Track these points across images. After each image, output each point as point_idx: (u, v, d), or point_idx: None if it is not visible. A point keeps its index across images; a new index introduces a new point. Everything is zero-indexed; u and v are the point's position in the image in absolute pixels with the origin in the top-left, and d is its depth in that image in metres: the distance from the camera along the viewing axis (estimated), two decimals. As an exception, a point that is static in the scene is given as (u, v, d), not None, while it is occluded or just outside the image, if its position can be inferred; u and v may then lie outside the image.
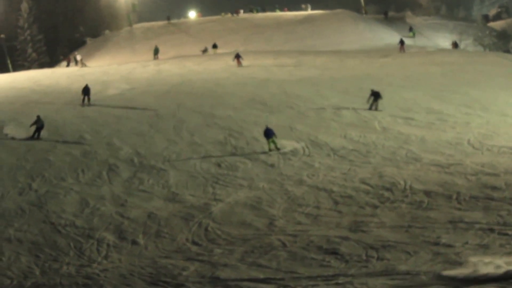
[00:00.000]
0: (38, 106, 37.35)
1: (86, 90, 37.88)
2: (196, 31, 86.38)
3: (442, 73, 45.09)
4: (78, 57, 63.02)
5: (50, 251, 19.56)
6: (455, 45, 69.63)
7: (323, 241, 17.76)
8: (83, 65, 60.02)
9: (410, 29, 79.05)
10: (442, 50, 64.14)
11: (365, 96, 35.27)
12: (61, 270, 18.05)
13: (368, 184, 22.96)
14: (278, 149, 28.13)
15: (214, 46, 65.57)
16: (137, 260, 18.35)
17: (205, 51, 66.82)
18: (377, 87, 35.80)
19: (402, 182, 22.66)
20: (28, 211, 23.10)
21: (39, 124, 30.92)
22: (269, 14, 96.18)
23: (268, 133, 28.26)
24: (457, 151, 26.99)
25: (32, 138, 30.62)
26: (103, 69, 55.82)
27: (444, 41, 76.62)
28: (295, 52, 61.15)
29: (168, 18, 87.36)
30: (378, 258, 15.80)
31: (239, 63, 51.65)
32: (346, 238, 17.70)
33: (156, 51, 64.62)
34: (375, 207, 20.59)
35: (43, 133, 31.28)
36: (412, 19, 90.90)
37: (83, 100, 37.67)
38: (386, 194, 21.71)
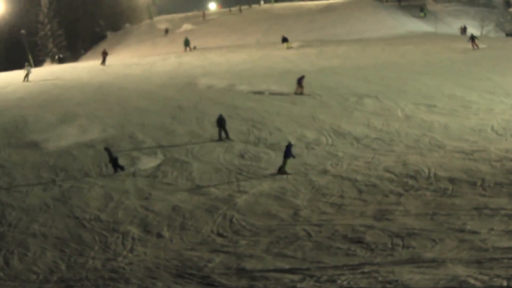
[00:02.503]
0: (59, 101, 37.59)
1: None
2: (217, 23, 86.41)
3: (465, 60, 44.59)
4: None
5: (76, 246, 19.67)
6: (463, 30, 68.94)
7: (348, 230, 17.70)
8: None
9: (421, 10, 78.30)
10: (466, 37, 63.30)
11: (387, 85, 34.93)
12: (86, 264, 18.15)
13: (392, 172, 22.85)
14: (285, 172, 24.44)
15: (285, 40, 57.45)
16: (162, 253, 18.40)
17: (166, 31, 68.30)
18: (399, 75, 35.39)
19: (426, 170, 22.53)
20: (53, 206, 23.26)
21: (113, 157, 26.52)
22: (289, 3, 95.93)
23: (288, 152, 24.72)
24: (481, 137, 26.75)
25: (116, 171, 26.27)
26: (124, 62, 56.01)
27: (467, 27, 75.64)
28: (316, 42, 60.85)
29: (166, 31, 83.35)
30: (403, 246, 15.68)
31: None
32: (371, 227, 17.63)
33: (186, 43, 63.50)
34: (400, 195, 20.50)
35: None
36: (433, 6, 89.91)
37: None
38: (410, 182, 21.60)
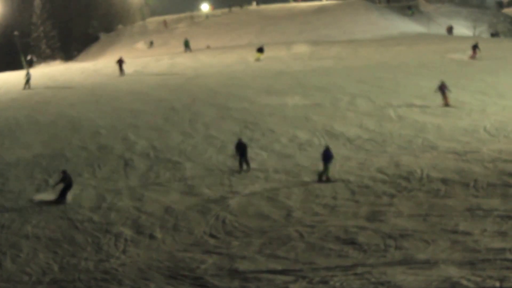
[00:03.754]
0: (52, 102, 37.47)
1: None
2: (209, 24, 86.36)
3: (457, 60, 44.62)
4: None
5: (68, 247, 19.52)
6: (449, 30, 69.26)
7: (341, 231, 17.67)
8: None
9: (409, 8, 78.75)
10: (458, 38, 63.53)
11: (380, 85, 34.90)
12: (79, 266, 18.02)
13: (384, 173, 22.86)
14: (328, 178, 23.00)
15: (260, 50, 51.53)
16: (155, 254, 18.29)
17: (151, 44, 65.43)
18: (392, 75, 35.33)
19: (419, 171, 22.55)
20: (45, 207, 23.07)
21: (66, 182, 23.55)
22: (282, 5, 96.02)
23: (327, 156, 23.29)
24: (474, 138, 26.73)
25: (58, 200, 23.20)
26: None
27: (458, 28, 75.90)
28: (308, 43, 60.83)
29: (151, 43, 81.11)
30: (396, 247, 15.68)
31: None
32: (363, 228, 17.62)
33: (186, 44, 62.18)
34: (392, 196, 20.51)
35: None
36: (426, 6, 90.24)
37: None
38: (403, 183, 21.62)
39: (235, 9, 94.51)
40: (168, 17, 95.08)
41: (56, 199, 23.04)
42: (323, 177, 22.97)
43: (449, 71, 40.56)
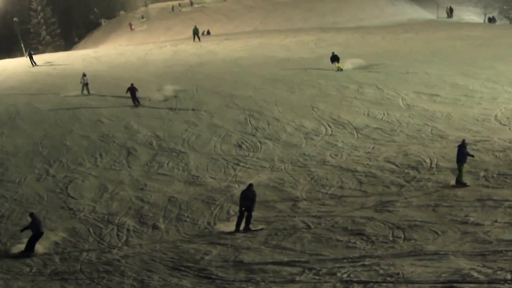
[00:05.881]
0: (53, 90, 37.27)
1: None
2: (213, 10, 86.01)
3: (467, 48, 44.21)
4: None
5: (70, 238, 19.39)
6: (449, 12, 68.74)
7: (348, 222, 17.50)
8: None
9: None
10: (468, 24, 62.99)
11: (388, 73, 34.56)
12: (81, 257, 17.87)
13: (393, 163, 22.59)
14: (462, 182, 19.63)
15: (335, 59, 39.05)
16: (158, 245, 18.13)
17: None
18: (400, 63, 34.99)
19: (428, 160, 22.31)
20: (46, 197, 23.02)
21: (34, 230, 18.67)
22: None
23: (461, 154, 19.73)
24: (484, 127, 26.44)
25: (24, 254, 18.49)
26: (119, 51, 55.74)
27: (467, 15, 75.27)
28: (315, 29, 60.50)
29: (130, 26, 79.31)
30: (405, 239, 15.49)
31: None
32: (371, 219, 17.42)
33: (196, 31, 58.77)
34: (401, 186, 20.30)
35: None
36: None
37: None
38: (412, 172, 21.39)
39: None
40: (170, 3, 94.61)
41: (21, 251, 18.52)
42: (461, 180, 19.50)
43: (459, 58, 40.15)
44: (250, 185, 18.97)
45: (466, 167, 20.62)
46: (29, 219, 18.90)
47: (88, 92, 36.17)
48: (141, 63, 46.97)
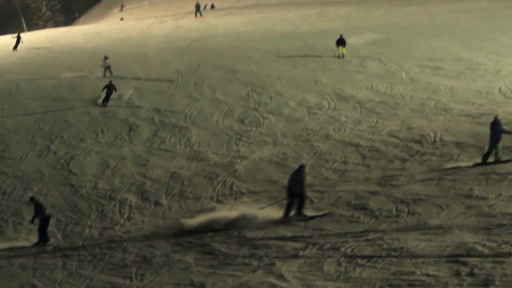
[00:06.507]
0: (54, 66, 37.12)
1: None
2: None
3: (471, 20, 43.84)
4: None
5: (72, 214, 19.35)
6: None
7: (352, 196, 17.35)
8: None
9: None
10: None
11: (391, 47, 34.34)
12: (83, 233, 17.85)
13: (396, 137, 22.44)
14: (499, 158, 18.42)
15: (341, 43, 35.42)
16: (160, 221, 18.08)
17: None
18: (403, 37, 34.80)
19: (431, 134, 22.14)
20: (48, 173, 22.91)
21: (40, 214, 17.56)
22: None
23: (496, 131, 18.25)
24: (488, 100, 26.23)
25: (39, 244, 17.42)
26: (120, 26, 55.47)
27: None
28: (317, 3, 60.03)
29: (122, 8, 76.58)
30: (408, 213, 15.30)
31: None
32: (375, 193, 17.25)
33: (197, 7, 57.73)
34: (405, 160, 20.18)
35: None
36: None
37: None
38: (416, 146, 21.25)
39: None
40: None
41: (35, 243, 17.41)
42: (490, 158, 18.35)
43: (463, 31, 39.90)
44: (302, 167, 17.03)
45: (470, 140, 20.51)
46: (32, 205, 17.71)
47: (111, 74, 33.95)
48: (142, 38, 46.77)
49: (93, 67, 36.61)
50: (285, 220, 16.13)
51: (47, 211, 17.69)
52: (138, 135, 25.96)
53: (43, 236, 17.30)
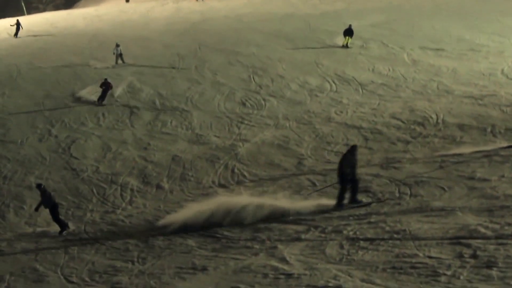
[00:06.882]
0: (54, 49, 36.96)
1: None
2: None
3: (474, 1, 43.58)
4: None
5: (73, 198, 19.34)
6: None
7: (354, 179, 17.20)
8: None
9: None
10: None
11: (393, 28, 34.13)
12: (84, 217, 17.81)
13: (398, 119, 22.36)
14: None
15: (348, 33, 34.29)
16: (162, 204, 18.03)
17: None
18: (405, 18, 34.55)
19: (434, 116, 22.07)
20: (49, 157, 22.87)
21: (48, 202, 16.95)
22: None
23: None
24: (491, 81, 26.09)
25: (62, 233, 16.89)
26: (120, 8, 55.21)
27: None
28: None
29: None
30: (411, 195, 15.24)
31: None
32: (377, 176, 17.19)
33: None
34: (407, 142, 20.08)
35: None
36: None
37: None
38: (418, 128, 21.18)
39: None
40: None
41: (61, 231, 16.91)
42: None
43: (465, 12, 39.68)
44: (354, 148, 15.74)
45: (473, 122, 20.41)
46: (39, 193, 17.01)
47: (123, 62, 33.49)
48: (143, 21, 46.56)
49: (93, 51, 36.48)
50: (338, 208, 14.92)
51: (55, 200, 17.19)
52: (140, 118, 25.88)
53: (62, 224, 16.89)
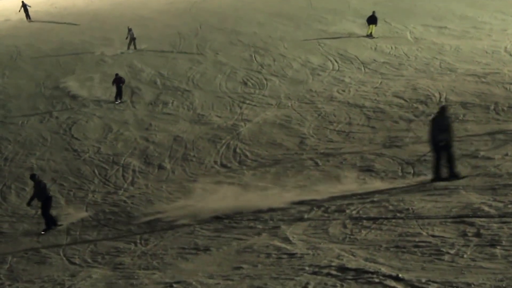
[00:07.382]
0: (54, 30, 36.76)
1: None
2: None
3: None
4: None
5: (75, 180, 19.26)
6: None
7: (357, 158, 17.21)
8: None
9: None
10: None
11: (395, 6, 33.86)
12: (86, 198, 17.75)
13: (401, 98, 22.24)
14: None
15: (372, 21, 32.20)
16: (164, 185, 17.95)
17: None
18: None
19: (437, 94, 21.96)
20: (50, 139, 22.83)
21: (41, 196, 15.62)
22: None
23: None
24: (494, 59, 25.95)
25: (47, 229, 15.69)
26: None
27: None
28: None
29: None
30: (414, 174, 15.16)
31: None
32: (380, 155, 17.12)
33: None
34: (410, 121, 19.99)
35: None
36: None
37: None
38: (421, 107, 21.07)
39: None
40: None
41: (43, 230, 15.71)
42: None
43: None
44: (443, 108, 13.63)
45: (476, 100, 20.26)
46: (33, 184, 15.79)
47: (135, 48, 32.58)
48: (143, 0, 46.21)
49: (93, 31, 36.28)
50: (436, 181, 13.57)
51: (49, 193, 16.10)
52: (141, 98, 25.80)
53: (50, 219, 15.78)
